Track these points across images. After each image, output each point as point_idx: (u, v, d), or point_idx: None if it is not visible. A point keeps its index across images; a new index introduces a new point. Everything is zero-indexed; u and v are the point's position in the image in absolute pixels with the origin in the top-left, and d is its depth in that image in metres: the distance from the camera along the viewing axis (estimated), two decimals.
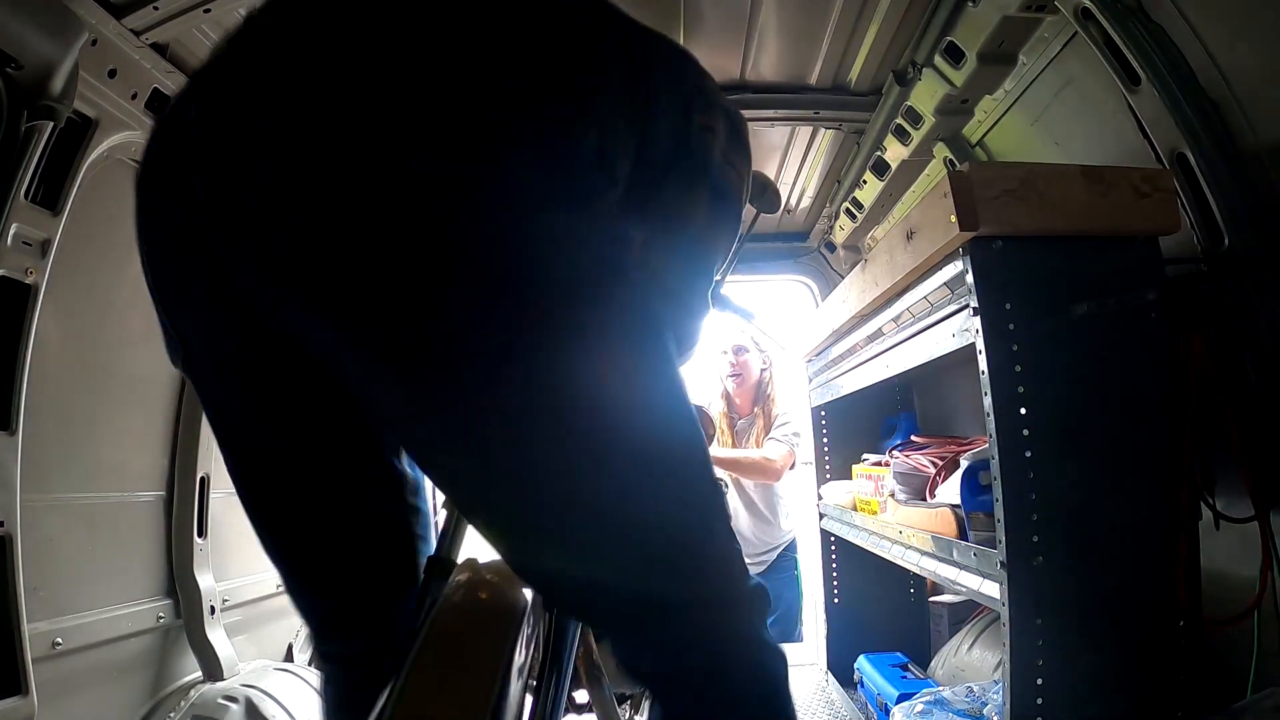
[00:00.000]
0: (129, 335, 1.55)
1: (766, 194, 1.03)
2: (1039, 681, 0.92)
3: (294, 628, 2.16)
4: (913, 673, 1.68)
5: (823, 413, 2.09)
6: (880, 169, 1.97)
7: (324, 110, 0.51)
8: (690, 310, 0.80)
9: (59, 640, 1.39)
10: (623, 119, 0.61)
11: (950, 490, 1.22)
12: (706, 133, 0.72)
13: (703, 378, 2.81)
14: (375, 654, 0.69)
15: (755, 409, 2.70)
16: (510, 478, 0.56)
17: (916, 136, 1.71)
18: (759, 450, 2.57)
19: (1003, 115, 1.53)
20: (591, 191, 0.57)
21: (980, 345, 0.96)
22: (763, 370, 2.71)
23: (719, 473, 2.57)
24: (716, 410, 2.74)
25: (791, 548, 2.70)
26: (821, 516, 1.98)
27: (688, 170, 0.71)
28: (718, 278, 0.95)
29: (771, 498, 2.63)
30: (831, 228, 2.47)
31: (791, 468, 2.58)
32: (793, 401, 2.68)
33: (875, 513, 1.56)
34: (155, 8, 1.25)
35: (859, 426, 2.06)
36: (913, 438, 1.68)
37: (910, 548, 1.31)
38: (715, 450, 2.58)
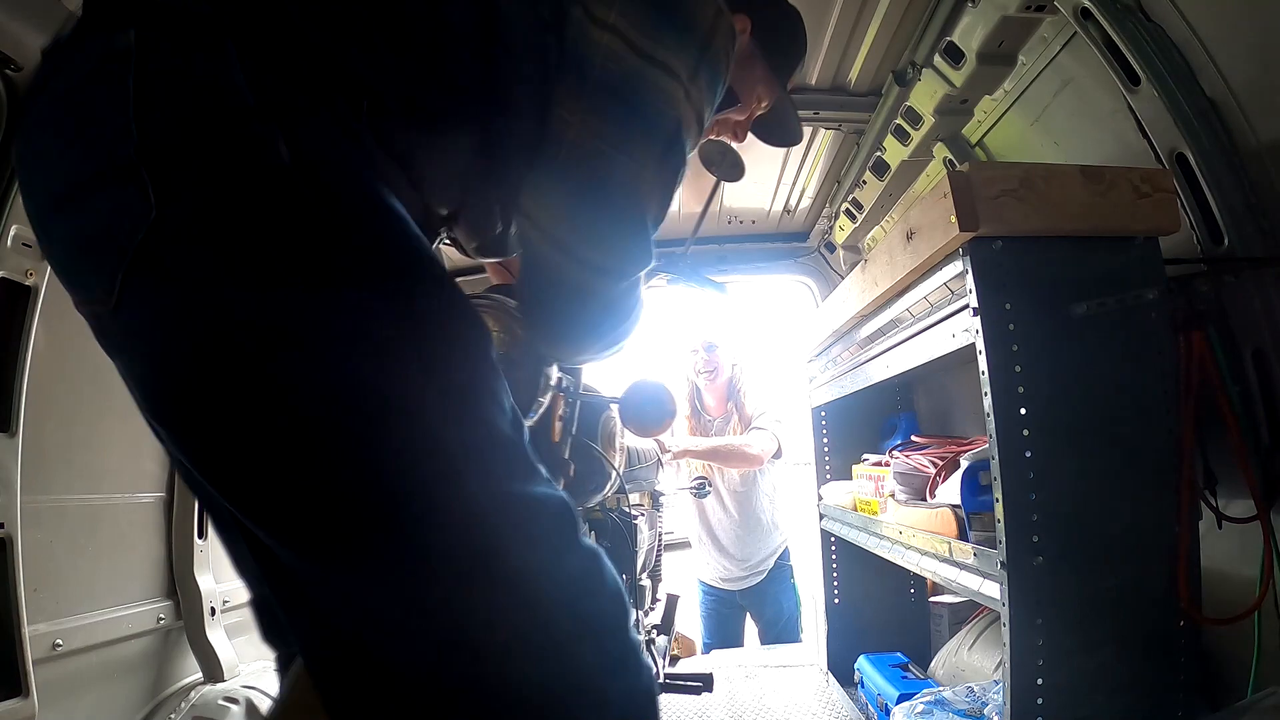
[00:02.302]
0: None
1: (726, 160, 0.94)
2: (1039, 681, 0.92)
3: None
4: (913, 673, 1.68)
5: (823, 413, 2.08)
6: (880, 169, 1.97)
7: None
8: (610, 277, 0.67)
9: (59, 641, 1.39)
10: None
11: (950, 490, 1.22)
12: (577, 5, 0.61)
13: (670, 376, 2.75)
14: None
15: (729, 405, 2.67)
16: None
17: (916, 137, 1.71)
18: (740, 437, 2.55)
19: (1002, 115, 1.53)
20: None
21: (980, 345, 0.96)
22: (733, 366, 2.68)
23: (698, 465, 2.56)
24: (682, 415, 2.69)
25: (786, 555, 2.70)
26: (821, 517, 1.98)
27: (559, 67, 0.61)
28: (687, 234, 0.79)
29: (755, 502, 2.60)
30: (831, 228, 2.47)
31: (778, 455, 2.56)
32: (767, 394, 2.67)
33: (875, 513, 1.56)
34: None
35: (859, 426, 2.06)
36: (913, 438, 1.67)
37: (910, 548, 1.31)
38: (695, 441, 2.57)
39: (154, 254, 0.49)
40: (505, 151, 0.66)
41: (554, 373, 0.91)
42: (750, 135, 1.00)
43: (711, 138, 0.95)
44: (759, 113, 0.97)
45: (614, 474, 1.30)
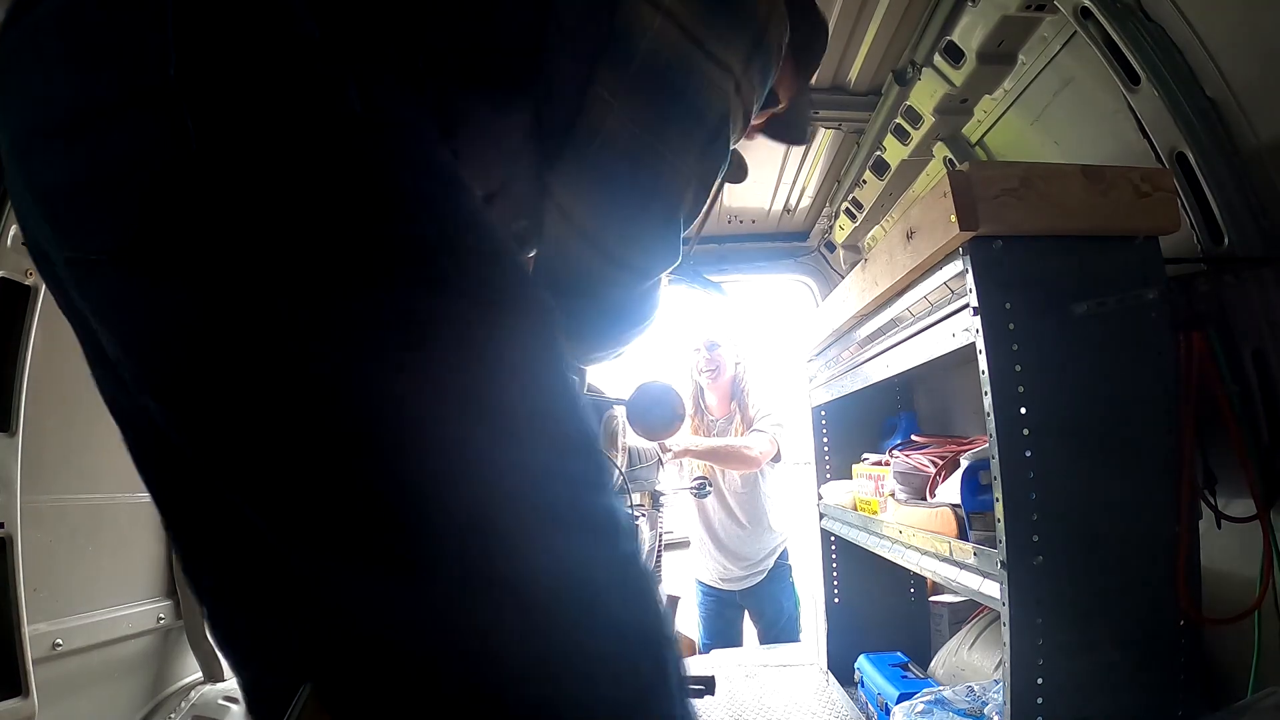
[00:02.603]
0: None
1: (730, 161, 0.91)
2: (1039, 681, 0.92)
3: None
4: (913, 672, 1.68)
5: (823, 413, 2.08)
6: (880, 169, 1.97)
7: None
8: (635, 275, 0.63)
9: (59, 641, 1.39)
10: None
11: (950, 490, 1.22)
12: None
13: (674, 375, 2.72)
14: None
15: (732, 405, 2.67)
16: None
17: (916, 136, 1.71)
18: (739, 439, 2.55)
19: (1002, 115, 1.53)
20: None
21: (980, 345, 0.96)
22: (737, 365, 2.67)
23: (697, 466, 2.56)
24: (685, 414, 2.69)
25: (785, 555, 2.69)
26: (821, 516, 1.98)
27: (606, 47, 0.55)
28: (687, 234, 0.70)
29: (758, 503, 2.61)
30: (831, 228, 2.47)
31: (776, 459, 2.56)
32: (771, 396, 2.66)
33: (875, 512, 1.56)
34: None
35: (859, 426, 2.06)
36: (913, 437, 1.67)
37: (910, 547, 1.31)
38: (695, 440, 2.57)
39: (189, 196, 0.42)
40: (548, 133, 0.60)
41: None
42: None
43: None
44: (775, 111, 0.93)
45: (616, 474, 1.29)
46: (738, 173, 0.87)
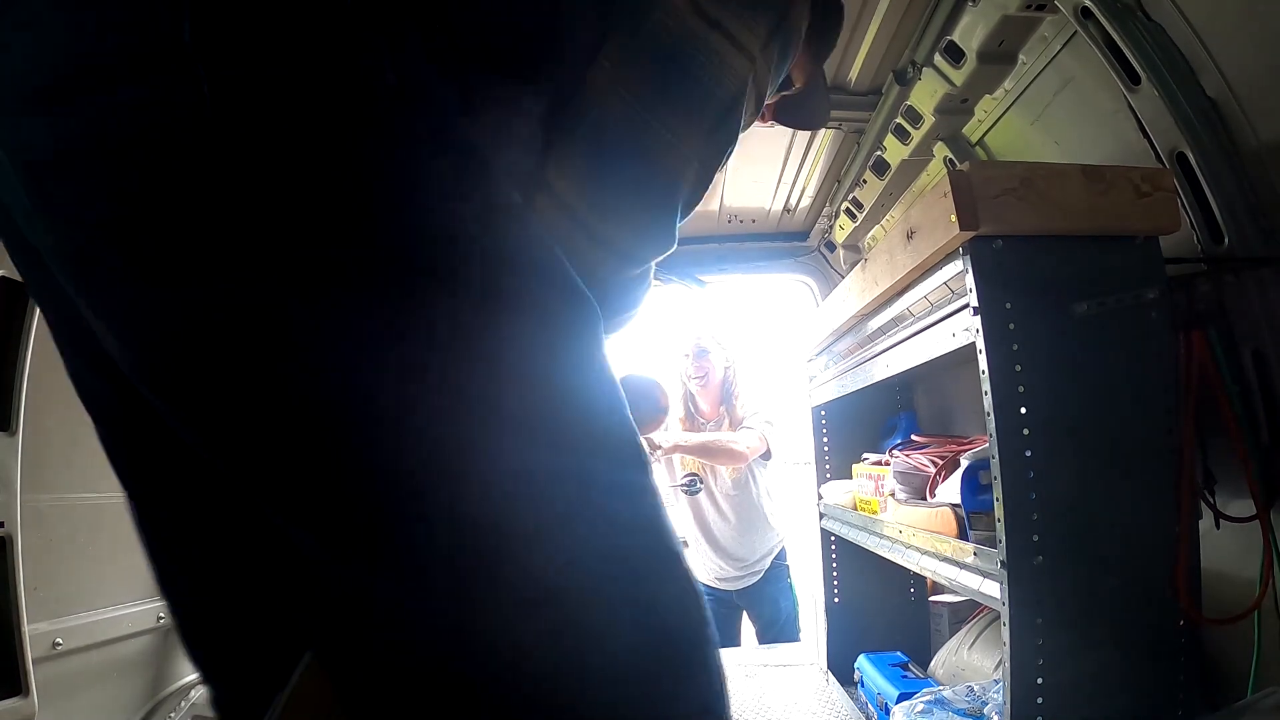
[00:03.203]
0: None
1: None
2: (1039, 681, 0.92)
3: None
4: (913, 672, 1.68)
5: (823, 413, 2.08)
6: (880, 168, 1.97)
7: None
8: (625, 260, 0.59)
9: (59, 640, 1.39)
10: None
11: (950, 490, 1.22)
12: None
13: (657, 368, 2.71)
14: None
15: (721, 409, 2.68)
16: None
17: (916, 136, 1.71)
18: (728, 434, 2.56)
19: (1002, 115, 1.53)
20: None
21: (980, 345, 0.96)
22: (726, 369, 2.68)
23: (683, 462, 2.56)
24: (675, 417, 2.70)
25: (782, 555, 2.69)
26: (821, 516, 1.98)
27: (613, 22, 0.51)
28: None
29: (749, 503, 2.61)
30: (831, 227, 2.47)
31: (766, 456, 2.57)
32: (760, 395, 2.67)
33: (875, 512, 1.56)
34: None
35: (859, 426, 2.06)
36: (913, 437, 1.68)
37: (910, 547, 1.31)
38: (685, 436, 2.57)
39: (201, 165, 0.38)
40: (554, 115, 0.56)
41: None
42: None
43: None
44: (789, 93, 0.89)
45: None
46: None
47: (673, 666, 0.45)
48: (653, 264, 0.65)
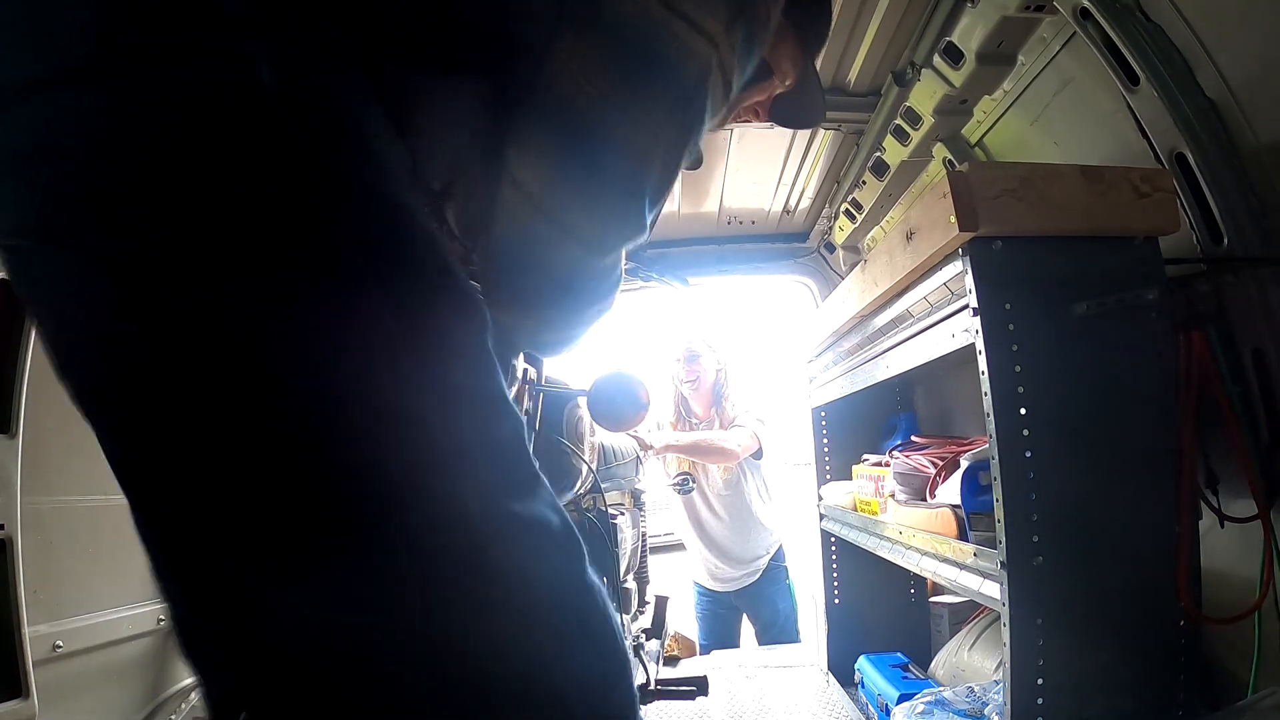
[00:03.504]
0: None
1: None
2: (1039, 681, 0.92)
3: None
4: (913, 673, 1.68)
5: (823, 413, 2.08)
6: (879, 169, 1.97)
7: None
8: (591, 250, 0.59)
9: (60, 643, 1.39)
10: None
11: (950, 490, 1.22)
12: None
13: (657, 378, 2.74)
14: None
15: (713, 410, 2.69)
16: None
17: (916, 137, 1.71)
18: (718, 432, 2.57)
19: (1002, 115, 1.53)
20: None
21: (980, 345, 0.96)
22: (718, 372, 2.69)
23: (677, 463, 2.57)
24: (666, 420, 2.72)
25: (780, 556, 2.70)
26: (822, 517, 1.98)
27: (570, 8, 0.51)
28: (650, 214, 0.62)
29: (742, 503, 2.62)
30: (831, 228, 2.47)
31: (758, 455, 2.58)
32: (751, 395, 2.70)
33: (875, 513, 1.56)
34: None
35: (859, 426, 2.06)
36: (913, 438, 1.67)
37: (910, 548, 1.31)
38: (674, 436, 2.58)
39: (94, 175, 0.42)
40: (508, 106, 0.56)
41: (520, 364, 0.87)
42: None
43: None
44: (780, 90, 0.88)
45: (585, 470, 1.26)
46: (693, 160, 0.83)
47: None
48: (622, 254, 0.64)
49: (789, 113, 0.94)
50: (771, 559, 2.66)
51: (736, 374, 2.74)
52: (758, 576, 2.64)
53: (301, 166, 0.44)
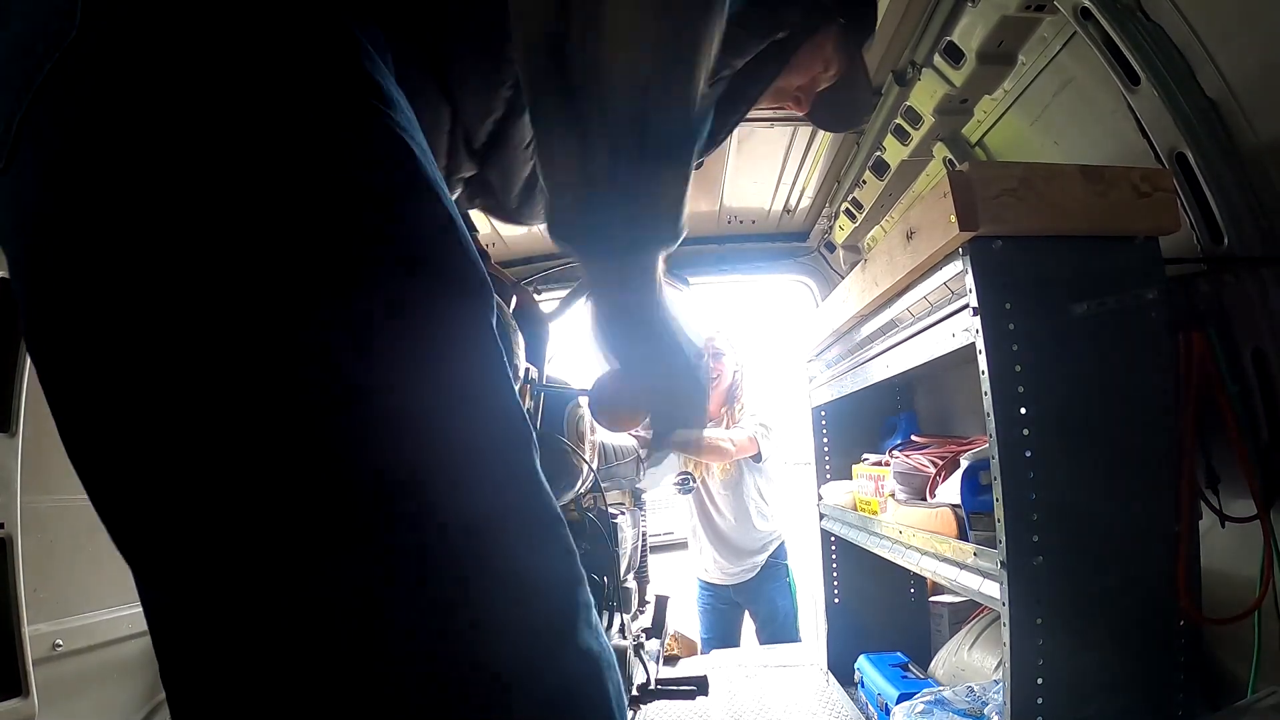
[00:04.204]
0: None
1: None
2: (1039, 681, 0.92)
3: None
4: (913, 673, 1.68)
5: (823, 413, 2.08)
6: (880, 169, 1.97)
7: None
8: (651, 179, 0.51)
9: (60, 642, 1.39)
10: None
11: (950, 490, 1.22)
12: None
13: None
14: None
15: (723, 410, 2.70)
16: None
17: (916, 136, 1.71)
18: (719, 431, 2.58)
19: (1002, 115, 1.53)
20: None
21: (980, 345, 0.96)
22: (735, 373, 2.70)
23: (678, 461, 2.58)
24: None
25: (781, 554, 2.70)
26: (822, 516, 1.98)
27: None
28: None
29: (740, 503, 2.64)
30: (831, 228, 2.47)
31: (757, 458, 2.58)
32: (762, 400, 2.70)
33: (875, 513, 1.56)
34: None
35: (859, 426, 2.06)
36: (913, 438, 1.68)
37: (910, 548, 1.31)
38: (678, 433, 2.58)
39: (62, 87, 0.36)
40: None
41: (521, 364, 0.87)
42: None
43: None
44: (824, 83, 0.83)
45: (585, 469, 1.26)
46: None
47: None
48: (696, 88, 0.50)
49: (833, 111, 0.90)
50: (771, 556, 2.67)
51: (751, 377, 2.75)
52: (757, 571, 2.65)
53: (304, 111, 0.39)
